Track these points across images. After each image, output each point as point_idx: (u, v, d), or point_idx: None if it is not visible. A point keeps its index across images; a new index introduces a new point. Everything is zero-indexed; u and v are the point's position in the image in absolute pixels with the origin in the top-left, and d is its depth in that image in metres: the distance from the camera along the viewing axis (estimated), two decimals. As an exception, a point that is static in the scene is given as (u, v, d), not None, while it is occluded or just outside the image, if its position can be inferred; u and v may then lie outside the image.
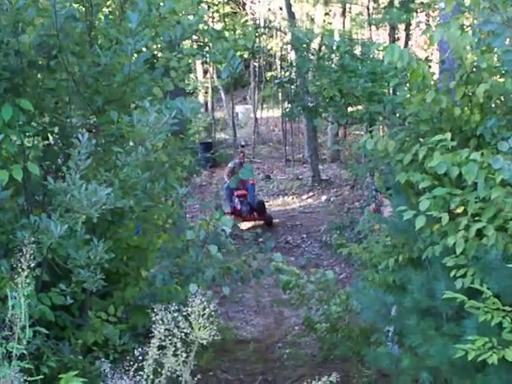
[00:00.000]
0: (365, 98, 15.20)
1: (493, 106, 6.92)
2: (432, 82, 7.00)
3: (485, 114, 6.76)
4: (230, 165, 19.57)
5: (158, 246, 7.74)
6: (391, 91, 15.65)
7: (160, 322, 3.56)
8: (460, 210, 6.23)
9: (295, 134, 26.43)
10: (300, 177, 23.17)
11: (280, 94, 27.21)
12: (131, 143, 6.50)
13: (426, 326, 6.51)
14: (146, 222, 7.36)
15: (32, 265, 4.35)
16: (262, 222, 18.76)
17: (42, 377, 4.35)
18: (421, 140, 6.94)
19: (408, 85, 7.67)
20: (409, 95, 7.46)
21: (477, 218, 6.13)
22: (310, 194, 21.39)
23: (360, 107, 16.66)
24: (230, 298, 12.40)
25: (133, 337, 6.76)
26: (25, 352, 4.25)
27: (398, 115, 8.87)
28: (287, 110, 21.64)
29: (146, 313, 6.59)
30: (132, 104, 6.79)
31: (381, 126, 15.53)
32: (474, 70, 6.82)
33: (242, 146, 27.49)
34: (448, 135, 6.31)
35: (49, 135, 6.87)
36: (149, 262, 7.64)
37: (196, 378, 3.97)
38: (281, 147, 26.73)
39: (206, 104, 29.99)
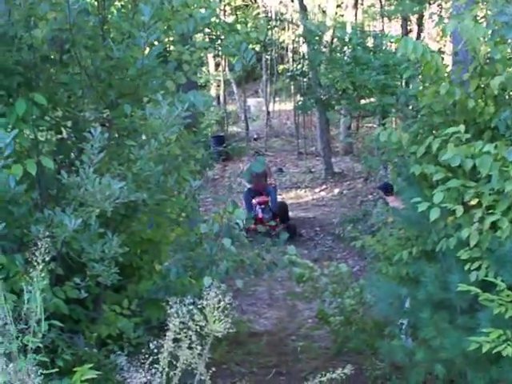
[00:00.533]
0: (377, 90, 15.19)
1: (507, 97, 6.89)
2: (445, 74, 6.98)
3: (499, 106, 6.73)
4: (246, 168, 17.95)
5: (171, 239, 7.77)
6: (404, 83, 15.61)
7: (175, 315, 3.56)
8: (474, 202, 6.22)
9: (308, 127, 26.38)
10: (313, 170, 23.13)
11: (292, 87, 27.19)
12: (144, 137, 6.51)
13: (439, 318, 6.51)
14: (160, 216, 7.39)
15: (46, 259, 4.36)
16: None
17: (57, 370, 4.35)
18: (434, 132, 6.93)
19: (421, 77, 7.66)
20: (422, 87, 7.44)
21: (491, 211, 6.11)
22: (323, 186, 21.36)
23: (373, 100, 16.63)
24: (244, 291, 12.41)
25: (147, 330, 6.78)
26: (40, 345, 4.27)
27: (411, 107, 8.84)
28: (299, 102, 21.62)
29: (160, 306, 6.64)
30: (145, 98, 6.79)
31: (394, 119, 15.52)
32: (488, 61, 6.79)
33: (255, 140, 27.56)
34: (462, 127, 6.28)
35: (62, 129, 6.89)
36: (162, 256, 7.67)
37: (210, 371, 3.98)
38: (293, 140, 26.68)
39: (218, 97, 29.95)
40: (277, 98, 30.84)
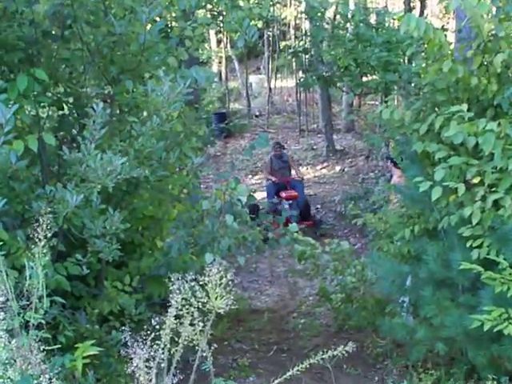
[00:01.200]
0: (380, 67, 15.07)
1: (510, 75, 6.84)
2: (449, 52, 6.93)
3: (502, 83, 6.69)
4: (266, 160, 17.31)
5: (173, 216, 7.75)
6: (406, 61, 15.53)
7: (177, 291, 3.56)
8: (476, 180, 6.21)
9: (309, 104, 26.27)
10: (314, 147, 23.07)
11: (294, 64, 27.07)
12: (146, 113, 6.49)
13: (441, 296, 6.52)
14: (161, 192, 7.37)
15: (48, 235, 4.35)
16: None
17: (59, 346, 4.36)
18: (437, 110, 6.91)
19: (424, 54, 7.62)
20: (425, 64, 7.41)
21: (493, 189, 6.10)
22: (325, 164, 21.31)
23: (375, 77, 16.54)
24: (245, 269, 12.44)
25: (148, 306, 6.80)
26: (42, 322, 4.27)
27: (413, 85, 8.80)
28: (301, 79, 21.53)
29: (161, 283, 6.67)
30: (147, 74, 6.76)
31: (396, 96, 15.46)
32: (492, 38, 6.74)
33: (257, 117, 27.49)
34: (465, 106, 6.25)
35: (64, 105, 6.86)
36: (164, 232, 7.66)
37: (212, 348, 3.98)
38: (295, 117, 26.58)
39: (220, 74, 29.84)
40: (279, 75, 30.70)
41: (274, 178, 16.01)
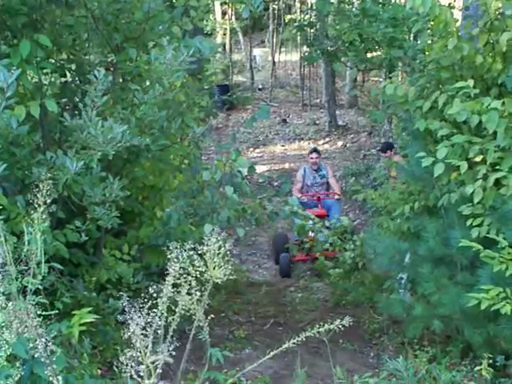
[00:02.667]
0: (385, 43, 14.98)
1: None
2: (454, 29, 6.88)
3: (507, 62, 6.65)
4: (299, 174, 13.28)
5: (173, 186, 7.74)
6: (412, 38, 15.44)
7: (175, 259, 3.55)
8: (479, 158, 6.18)
9: (313, 79, 26.20)
10: (317, 122, 23.01)
11: (299, 38, 26.96)
12: (148, 82, 6.46)
13: (439, 274, 6.52)
14: (162, 162, 7.36)
15: (48, 201, 4.34)
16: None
17: (56, 312, 4.36)
18: (441, 87, 6.87)
19: (430, 31, 7.57)
20: (430, 41, 7.36)
21: (495, 168, 6.07)
22: (327, 139, 21.26)
23: (379, 53, 16.46)
24: (244, 241, 12.45)
25: (146, 276, 6.80)
26: (40, 287, 4.27)
27: (418, 62, 8.74)
28: (306, 53, 21.43)
29: (159, 252, 6.67)
30: (151, 43, 6.72)
31: (400, 73, 15.39)
32: (499, 17, 6.69)
33: (260, 90, 27.40)
34: (470, 82, 6.21)
35: (66, 72, 6.83)
36: (164, 202, 7.65)
37: (209, 318, 3.98)
38: (298, 91, 26.49)
39: (224, 46, 29.72)
40: (283, 49, 30.60)
41: (300, 195, 12.49)
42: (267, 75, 28.10)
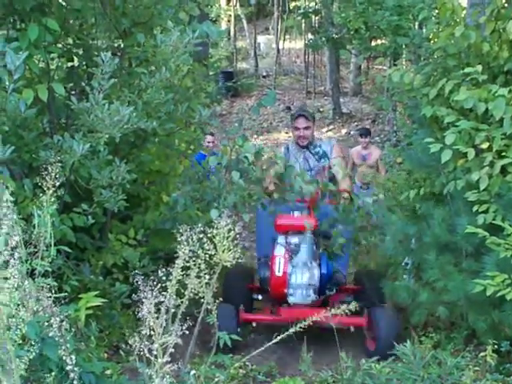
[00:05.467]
0: (390, 31, 15.01)
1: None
2: (461, 17, 6.88)
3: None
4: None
5: (179, 171, 7.75)
6: (417, 26, 15.43)
7: (185, 242, 3.57)
8: (485, 145, 6.18)
9: (317, 66, 26.20)
10: (321, 109, 23.01)
11: (303, 25, 26.94)
12: (154, 67, 6.47)
13: (444, 260, 6.52)
14: (169, 147, 7.38)
15: (56, 184, 4.36)
16: None
17: (65, 294, 4.39)
18: (447, 75, 6.87)
19: (436, 19, 7.56)
20: (437, 29, 7.35)
21: (502, 155, 6.08)
22: (331, 127, 21.28)
23: (384, 41, 16.47)
24: (247, 228, 12.44)
25: (152, 260, 6.82)
26: (48, 269, 4.29)
27: (424, 49, 8.73)
28: (311, 41, 21.44)
29: (166, 237, 6.69)
30: (158, 27, 6.73)
31: (404, 61, 15.38)
32: (506, 5, 6.68)
33: (264, 77, 27.39)
34: (479, 67, 6.21)
35: (73, 57, 6.84)
36: (170, 187, 7.67)
37: (217, 301, 4.01)
38: (302, 79, 26.52)
39: (229, 33, 29.70)
40: (287, 36, 30.58)
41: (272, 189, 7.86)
42: (271, 62, 28.09)
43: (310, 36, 23.00)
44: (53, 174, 4.32)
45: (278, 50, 27.94)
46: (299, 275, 7.11)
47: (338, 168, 8.15)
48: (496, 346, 5.69)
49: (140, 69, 6.30)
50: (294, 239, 7.31)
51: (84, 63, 6.86)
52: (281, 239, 7.36)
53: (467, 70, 6.23)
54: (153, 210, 7.22)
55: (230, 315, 7.00)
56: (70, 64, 6.91)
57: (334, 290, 7.53)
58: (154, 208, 7.29)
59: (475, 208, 6.10)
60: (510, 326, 6.06)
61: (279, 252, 7.30)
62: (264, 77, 27.60)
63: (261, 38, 31.00)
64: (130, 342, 3.32)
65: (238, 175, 6.68)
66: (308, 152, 8.27)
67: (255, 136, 20.42)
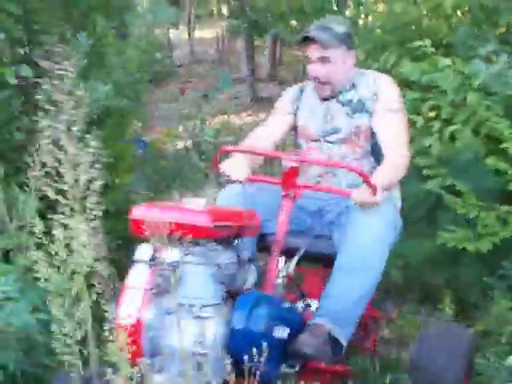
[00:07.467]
0: (313, 14, 15.10)
1: (460, 16, 7.14)
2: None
3: (451, 24, 6.97)
4: (284, 101, 5.30)
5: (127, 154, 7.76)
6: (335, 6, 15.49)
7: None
8: (432, 114, 6.46)
9: (231, 53, 26.32)
10: (238, 96, 23.15)
11: (215, 13, 27.01)
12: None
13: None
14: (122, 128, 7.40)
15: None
16: None
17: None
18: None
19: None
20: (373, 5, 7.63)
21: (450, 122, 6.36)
22: (249, 112, 21.42)
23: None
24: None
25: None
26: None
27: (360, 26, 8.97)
28: (227, 26, 21.50)
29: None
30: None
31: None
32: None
33: (179, 66, 27.39)
34: (428, 41, 6.48)
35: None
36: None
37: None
38: (217, 67, 26.60)
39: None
40: (199, 25, 30.58)
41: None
42: (184, 53, 28.07)
43: (226, 22, 23.06)
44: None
45: (189, 37, 27.91)
46: None
47: (386, 131, 4.58)
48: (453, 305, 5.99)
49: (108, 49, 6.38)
50: None
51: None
52: None
53: (418, 42, 6.48)
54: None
55: None
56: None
57: None
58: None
59: (425, 171, 6.31)
60: (466, 285, 6.34)
61: None
62: (179, 66, 27.57)
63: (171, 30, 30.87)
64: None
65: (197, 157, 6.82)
66: (335, 101, 4.76)
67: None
